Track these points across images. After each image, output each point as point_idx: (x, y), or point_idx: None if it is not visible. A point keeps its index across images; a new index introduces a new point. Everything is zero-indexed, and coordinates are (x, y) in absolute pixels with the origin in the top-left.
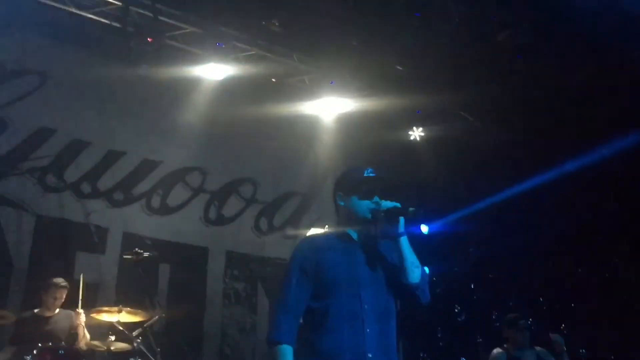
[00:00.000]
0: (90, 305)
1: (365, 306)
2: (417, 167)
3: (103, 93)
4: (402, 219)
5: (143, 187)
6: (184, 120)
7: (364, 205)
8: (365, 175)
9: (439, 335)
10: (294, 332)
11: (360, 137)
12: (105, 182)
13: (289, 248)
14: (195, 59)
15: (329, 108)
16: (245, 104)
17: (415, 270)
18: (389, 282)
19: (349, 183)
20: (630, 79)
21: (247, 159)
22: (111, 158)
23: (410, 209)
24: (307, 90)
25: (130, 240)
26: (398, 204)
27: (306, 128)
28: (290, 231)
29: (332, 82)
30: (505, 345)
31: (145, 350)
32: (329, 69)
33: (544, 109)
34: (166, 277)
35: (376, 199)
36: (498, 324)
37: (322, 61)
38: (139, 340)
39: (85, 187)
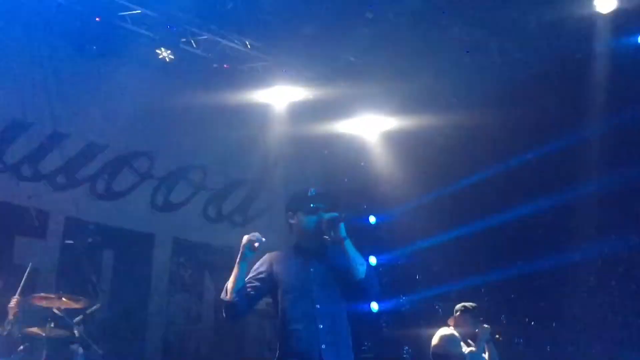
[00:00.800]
0: (30, 290)
1: (317, 306)
2: (367, 157)
3: (47, 73)
4: (342, 225)
5: (88, 170)
6: (131, 103)
7: (310, 220)
8: (308, 194)
9: (384, 325)
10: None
11: (311, 127)
12: (48, 164)
13: (237, 236)
14: (145, 41)
15: (281, 96)
16: (196, 89)
17: (360, 268)
18: (340, 283)
19: (295, 203)
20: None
21: (197, 145)
22: (55, 140)
23: (343, 214)
24: (259, 78)
25: (73, 225)
26: (336, 214)
27: (257, 116)
28: (239, 219)
29: (284, 71)
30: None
31: (86, 337)
32: (282, 57)
33: (496, 102)
34: (110, 263)
35: (320, 213)
36: (441, 312)
37: (276, 49)
38: (79, 327)
39: (26, 170)
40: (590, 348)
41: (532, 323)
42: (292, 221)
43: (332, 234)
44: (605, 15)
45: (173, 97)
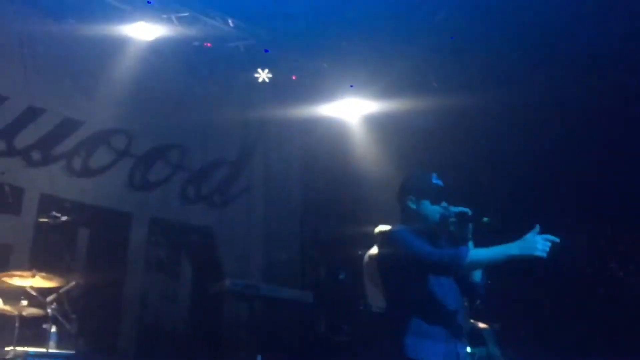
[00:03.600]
0: (2, 268)
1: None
2: (350, 139)
3: (23, 45)
4: (470, 225)
5: (64, 147)
6: (110, 80)
7: (435, 210)
8: (433, 181)
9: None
10: None
11: (295, 107)
12: (23, 140)
13: (215, 217)
14: (124, 17)
15: (263, 75)
16: (176, 67)
17: (478, 273)
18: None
19: (421, 188)
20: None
21: (176, 124)
22: (30, 115)
23: (485, 219)
24: (240, 57)
25: (48, 202)
26: (467, 210)
27: (238, 95)
28: (218, 199)
29: (266, 50)
30: None
31: (59, 317)
32: (265, 36)
33: (479, 88)
34: (85, 241)
35: (444, 204)
36: None
37: (258, 28)
38: (53, 306)
39: (1, 145)
40: None
41: None
42: (413, 206)
43: (458, 230)
44: None
45: (152, 74)
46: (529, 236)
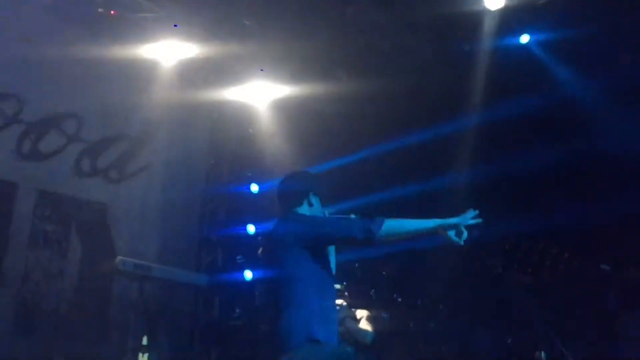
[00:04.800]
0: None
1: None
2: (255, 125)
3: None
4: None
5: None
6: (4, 40)
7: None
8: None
9: (257, 294)
10: None
11: (200, 89)
12: None
13: (111, 193)
14: None
15: (171, 52)
16: (78, 33)
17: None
18: None
19: (319, 188)
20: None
21: (74, 93)
22: None
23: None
24: (148, 30)
25: None
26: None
27: (144, 70)
28: (115, 175)
29: (175, 25)
30: None
31: None
32: (174, 10)
33: (382, 81)
34: None
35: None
36: None
37: (168, 1)
38: None
39: None
40: None
41: None
42: (313, 202)
43: None
44: (493, 11)
45: (52, 38)
46: (454, 218)
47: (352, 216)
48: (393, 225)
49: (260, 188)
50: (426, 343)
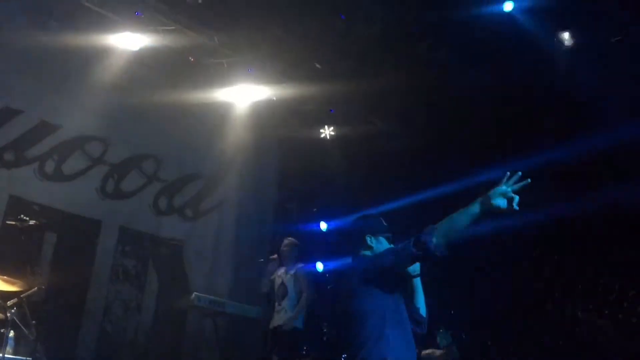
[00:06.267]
0: None
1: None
2: (325, 164)
3: (2, 47)
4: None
5: (38, 150)
6: (91, 86)
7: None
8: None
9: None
10: None
11: (272, 128)
12: None
13: (185, 230)
14: (110, 25)
15: (244, 95)
16: (158, 79)
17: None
18: None
19: (377, 228)
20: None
21: (154, 135)
22: (6, 115)
23: None
24: (223, 74)
25: (17, 205)
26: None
27: (218, 112)
28: (190, 213)
29: (249, 70)
30: None
31: (18, 322)
32: (248, 55)
33: (455, 119)
34: (51, 247)
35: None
36: None
37: (243, 46)
38: (13, 311)
39: None
40: None
41: None
42: (372, 243)
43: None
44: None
45: (134, 84)
46: (496, 187)
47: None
48: (443, 227)
49: (328, 226)
50: None
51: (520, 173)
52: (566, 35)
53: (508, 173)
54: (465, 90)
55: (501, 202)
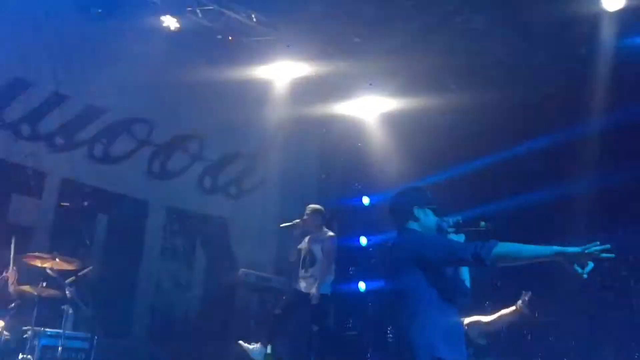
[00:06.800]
0: (23, 249)
1: None
2: (365, 139)
3: (49, 34)
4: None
5: (86, 133)
6: (134, 69)
7: (435, 220)
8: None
9: (369, 304)
10: None
11: (311, 105)
12: (47, 125)
13: (230, 208)
14: (151, 8)
15: (283, 72)
16: (199, 59)
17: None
18: None
19: (425, 200)
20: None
21: (196, 115)
22: (54, 101)
23: (482, 223)
24: (262, 52)
25: (69, 187)
26: (459, 218)
27: (258, 90)
28: (234, 191)
29: (288, 46)
30: None
31: (76, 299)
32: (287, 32)
33: (496, 88)
34: (104, 227)
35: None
36: None
37: (281, 24)
38: (71, 289)
39: (25, 129)
40: None
41: None
42: (420, 215)
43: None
44: (611, 13)
45: (175, 65)
46: (575, 248)
47: (477, 229)
48: (506, 250)
49: (370, 200)
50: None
51: (609, 246)
52: None
53: (598, 242)
54: (512, 68)
55: (578, 267)
